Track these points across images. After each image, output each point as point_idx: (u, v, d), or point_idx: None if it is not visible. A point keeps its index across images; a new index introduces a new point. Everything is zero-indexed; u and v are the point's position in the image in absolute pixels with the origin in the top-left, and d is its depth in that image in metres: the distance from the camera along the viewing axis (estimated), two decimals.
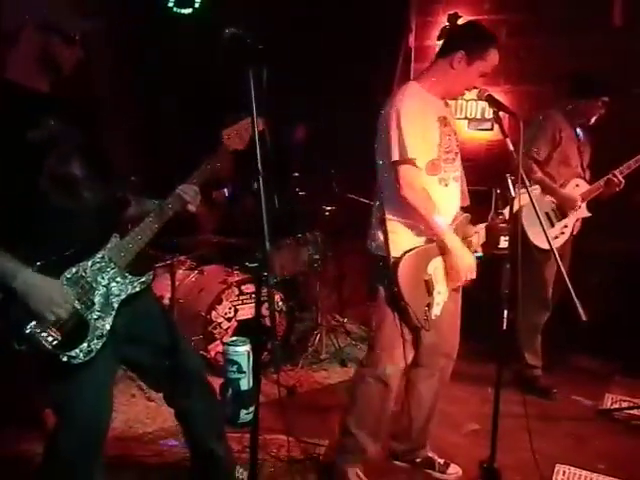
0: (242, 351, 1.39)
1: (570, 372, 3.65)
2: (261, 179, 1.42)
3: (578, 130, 3.38)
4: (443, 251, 2.30)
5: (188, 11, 4.72)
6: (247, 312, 3.53)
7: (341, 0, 4.27)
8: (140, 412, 3.03)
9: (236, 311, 3.51)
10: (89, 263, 1.73)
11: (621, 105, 3.36)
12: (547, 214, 3.28)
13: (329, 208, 3.89)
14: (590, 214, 3.37)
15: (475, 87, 2.33)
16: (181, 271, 3.78)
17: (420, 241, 2.30)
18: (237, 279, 3.55)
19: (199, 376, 2.07)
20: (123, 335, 1.81)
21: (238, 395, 1.39)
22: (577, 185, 3.32)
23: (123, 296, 1.79)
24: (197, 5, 4.73)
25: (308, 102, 4.21)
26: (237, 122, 1.96)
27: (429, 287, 2.28)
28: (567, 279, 2.14)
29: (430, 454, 2.60)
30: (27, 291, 1.58)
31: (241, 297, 3.54)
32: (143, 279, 1.85)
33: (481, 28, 2.39)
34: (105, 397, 1.81)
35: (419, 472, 2.58)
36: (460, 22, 4.33)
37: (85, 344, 1.68)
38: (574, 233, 3.36)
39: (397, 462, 2.60)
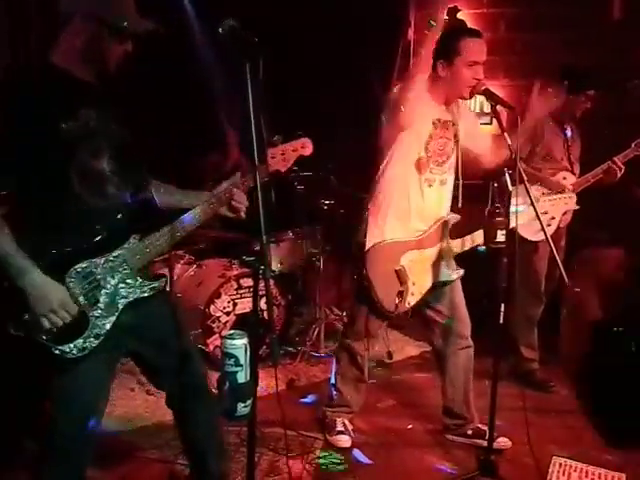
0: (239, 344, 1.39)
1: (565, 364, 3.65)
2: (257, 173, 1.41)
3: (566, 126, 3.36)
4: (421, 246, 2.53)
5: None
6: (246, 306, 3.54)
7: None
8: (139, 406, 3.04)
9: (235, 305, 3.52)
10: (102, 260, 1.70)
11: (618, 98, 3.35)
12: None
13: (327, 202, 3.89)
14: (578, 207, 3.34)
15: (478, 80, 2.34)
16: (180, 265, 3.79)
17: (400, 235, 2.53)
18: (236, 273, 3.56)
19: (203, 389, 1.99)
20: (129, 334, 1.78)
21: (235, 388, 1.40)
22: (564, 178, 3.30)
23: (130, 299, 1.75)
24: None
25: (306, 95, 4.20)
26: (287, 141, 1.94)
27: (401, 277, 2.50)
28: (554, 250, 2.19)
29: (480, 426, 2.70)
30: (30, 292, 1.57)
31: (240, 291, 3.55)
32: (155, 285, 1.80)
33: (447, 31, 2.46)
34: (97, 393, 1.79)
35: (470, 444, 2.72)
36: (459, 16, 4.33)
37: (80, 340, 1.65)
38: (561, 226, 3.32)
39: (449, 435, 2.80)
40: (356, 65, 4.30)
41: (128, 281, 1.74)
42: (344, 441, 2.70)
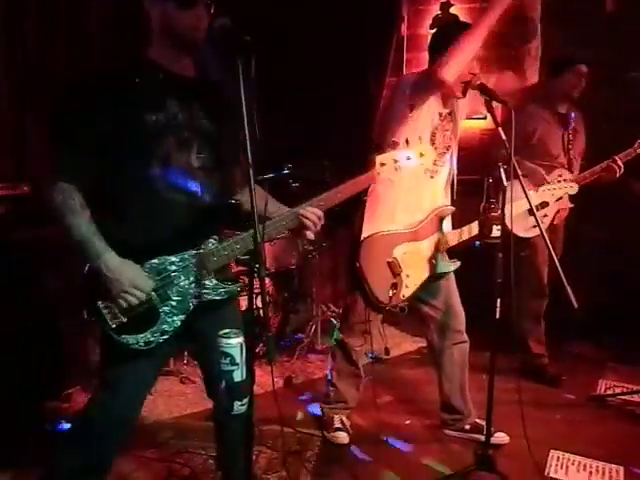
0: (235, 343, 1.38)
1: (563, 359, 3.66)
2: (251, 171, 1.41)
3: (572, 114, 3.31)
4: (416, 238, 2.54)
5: None
6: (242, 304, 3.53)
7: None
8: None
9: None
10: (177, 258, 1.67)
11: (616, 89, 3.34)
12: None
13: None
14: (572, 205, 3.33)
15: (473, 75, 2.34)
16: None
17: (395, 226, 2.54)
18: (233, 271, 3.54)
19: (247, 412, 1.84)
20: (195, 336, 1.75)
21: (231, 387, 1.39)
22: (560, 175, 3.23)
23: (203, 299, 1.70)
24: None
25: (299, 93, 4.19)
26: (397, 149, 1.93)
27: (393, 269, 2.52)
28: (559, 268, 2.15)
29: (478, 421, 2.72)
30: (106, 273, 1.57)
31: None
32: (230, 288, 1.74)
33: (441, 26, 2.44)
34: (144, 391, 1.80)
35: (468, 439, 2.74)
36: (452, 10, 4.33)
37: (148, 334, 1.64)
38: (555, 222, 3.29)
39: (447, 431, 2.81)
40: (351, 62, 4.29)
41: (202, 282, 1.69)
42: (342, 438, 2.71)
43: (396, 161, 1.92)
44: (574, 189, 3.02)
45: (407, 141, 2.33)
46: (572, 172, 3.29)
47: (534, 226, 3.19)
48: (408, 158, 1.93)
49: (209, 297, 1.71)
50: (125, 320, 1.63)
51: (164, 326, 1.66)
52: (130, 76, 1.62)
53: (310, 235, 1.79)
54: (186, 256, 1.68)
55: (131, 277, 1.59)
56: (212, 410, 2.01)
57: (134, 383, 1.71)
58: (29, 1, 3.26)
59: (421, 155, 1.98)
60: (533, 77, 4.03)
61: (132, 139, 1.59)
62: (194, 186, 1.68)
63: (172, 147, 1.63)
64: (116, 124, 1.57)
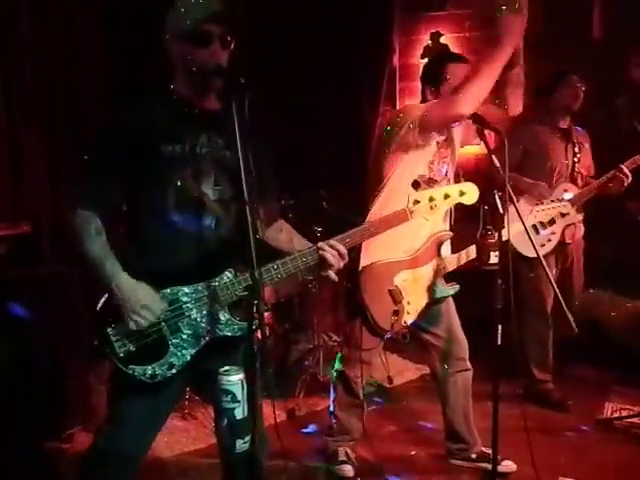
0: (235, 380, 1.37)
1: (569, 382, 3.63)
2: (247, 207, 1.42)
3: (577, 128, 3.30)
4: (415, 265, 2.52)
5: None
6: None
7: (324, 21, 4.32)
8: None
9: None
10: (191, 290, 1.65)
11: (605, 116, 3.38)
12: (534, 226, 3.16)
13: (320, 229, 3.89)
14: (580, 217, 3.28)
15: None
16: None
17: (393, 255, 2.53)
18: None
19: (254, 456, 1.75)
20: (205, 372, 1.65)
21: (233, 425, 1.38)
22: (565, 190, 3.22)
23: (215, 335, 1.66)
24: None
25: (294, 123, 4.24)
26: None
27: (395, 296, 2.49)
28: (557, 290, 2.15)
29: (484, 449, 2.68)
30: (118, 294, 1.59)
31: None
32: (244, 325, 1.63)
33: (432, 57, 2.47)
34: (153, 425, 1.76)
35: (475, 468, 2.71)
36: (442, 40, 4.41)
37: (156, 366, 1.62)
38: (567, 241, 3.27)
39: (453, 460, 2.77)
40: (346, 92, 4.35)
41: (216, 316, 1.66)
42: (347, 470, 2.67)
43: (432, 199, 1.82)
44: (567, 208, 3.02)
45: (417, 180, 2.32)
46: (578, 186, 3.27)
47: (542, 245, 3.21)
48: (446, 196, 1.82)
49: (221, 333, 1.68)
50: (133, 349, 1.62)
51: (172, 359, 1.64)
52: (153, 108, 1.66)
53: (332, 275, 1.69)
54: (199, 288, 1.66)
55: (141, 298, 1.60)
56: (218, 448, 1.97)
57: (140, 418, 1.68)
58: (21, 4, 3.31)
59: (462, 194, 1.88)
60: (517, 104, 4.07)
61: (149, 169, 1.63)
62: (209, 218, 1.69)
63: (189, 177, 1.66)
64: (136, 155, 1.62)
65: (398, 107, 4.39)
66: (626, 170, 3.16)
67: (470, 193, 1.93)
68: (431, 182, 1.94)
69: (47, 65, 3.50)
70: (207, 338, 1.67)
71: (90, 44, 3.67)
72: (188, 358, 1.65)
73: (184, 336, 1.65)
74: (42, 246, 3.39)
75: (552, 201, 3.01)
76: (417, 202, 1.82)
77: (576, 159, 3.30)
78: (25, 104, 3.41)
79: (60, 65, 3.55)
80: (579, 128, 3.37)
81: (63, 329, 2.78)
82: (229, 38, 1.65)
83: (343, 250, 1.70)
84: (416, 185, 1.87)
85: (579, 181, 3.30)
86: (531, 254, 3.08)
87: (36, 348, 2.74)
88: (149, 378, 1.62)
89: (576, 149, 3.30)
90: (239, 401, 1.37)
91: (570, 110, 3.29)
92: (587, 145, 3.39)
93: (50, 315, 2.79)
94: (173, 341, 1.64)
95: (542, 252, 3.06)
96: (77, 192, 1.67)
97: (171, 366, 1.64)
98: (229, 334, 1.68)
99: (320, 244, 1.70)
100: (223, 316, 1.67)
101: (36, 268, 3.04)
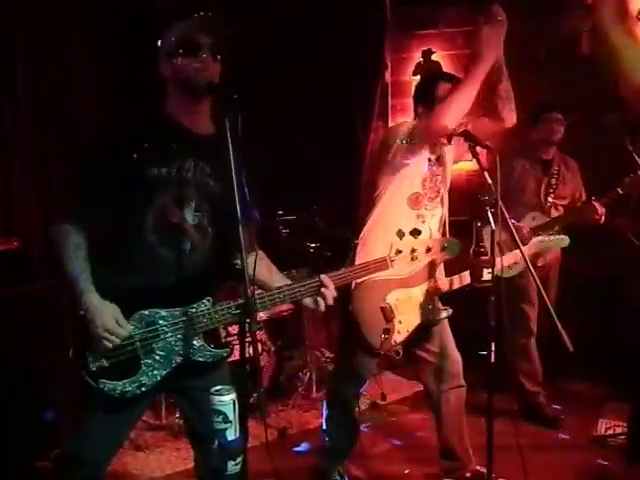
0: (227, 400, 1.35)
1: (560, 397, 3.62)
2: (241, 227, 1.41)
3: (566, 158, 3.35)
4: (409, 284, 2.50)
5: None
6: (235, 353, 3.48)
7: (316, 38, 4.36)
8: (128, 463, 2.96)
9: None
10: (167, 314, 1.66)
11: (592, 135, 3.41)
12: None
13: (313, 245, 3.89)
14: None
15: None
16: None
17: (387, 272, 2.42)
18: None
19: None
20: (174, 388, 1.78)
21: (224, 446, 1.36)
22: (533, 218, 3.27)
23: (187, 359, 1.69)
24: None
25: (287, 139, 4.26)
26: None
27: (387, 314, 2.47)
28: (552, 310, 2.15)
29: (479, 467, 2.65)
30: (86, 311, 1.59)
31: (228, 338, 3.50)
32: (217, 352, 1.73)
33: (424, 76, 2.49)
34: (116, 437, 1.78)
35: None
36: (433, 57, 4.45)
37: (127, 384, 1.62)
38: (539, 264, 3.18)
39: (448, 479, 2.72)
40: (339, 109, 4.38)
41: (190, 342, 1.68)
42: None
43: (414, 250, 1.85)
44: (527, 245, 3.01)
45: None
46: (549, 216, 3.31)
47: (509, 267, 3.18)
48: (428, 250, 1.85)
49: (193, 358, 1.70)
50: (107, 365, 1.62)
51: (143, 378, 1.65)
52: (143, 129, 1.67)
53: (321, 306, 1.77)
54: (176, 313, 1.67)
55: (105, 321, 1.59)
56: (197, 469, 1.93)
57: (105, 430, 1.69)
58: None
59: (443, 249, 1.92)
60: (511, 117, 4.11)
61: (133, 189, 1.63)
62: (185, 243, 1.69)
63: (169, 202, 1.66)
64: (122, 174, 1.62)
65: (390, 123, 4.42)
66: (597, 205, 3.16)
67: (451, 248, 1.99)
68: (415, 233, 1.99)
69: (40, 83, 3.50)
70: (179, 361, 1.68)
71: (84, 63, 3.69)
72: (158, 379, 1.67)
73: (157, 357, 1.66)
74: (32, 263, 3.36)
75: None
76: (399, 252, 1.86)
77: (551, 190, 3.36)
78: (17, 121, 3.40)
79: (53, 83, 3.56)
80: (567, 157, 3.42)
81: (51, 348, 2.75)
82: (219, 52, 1.66)
83: (332, 287, 1.78)
84: (400, 234, 1.93)
85: (552, 211, 3.35)
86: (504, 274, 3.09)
87: (23, 366, 2.70)
88: (119, 394, 1.62)
89: (553, 181, 3.36)
90: (231, 422, 1.35)
91: (551, 144, 3.37)
92: (572, 174, 3.43)
93: (37, 335, 2.75)
94: (146, 361, 1.65)
95: (511, 273, 3.06)
96: (64, 206, 1.72)
97: (141, 385, 1.65)
98: (201, 360, 1.71)
99: (323, 278, 1.76)
100: (197, 342, 1.69)
101: (27, 285, 3.01)
